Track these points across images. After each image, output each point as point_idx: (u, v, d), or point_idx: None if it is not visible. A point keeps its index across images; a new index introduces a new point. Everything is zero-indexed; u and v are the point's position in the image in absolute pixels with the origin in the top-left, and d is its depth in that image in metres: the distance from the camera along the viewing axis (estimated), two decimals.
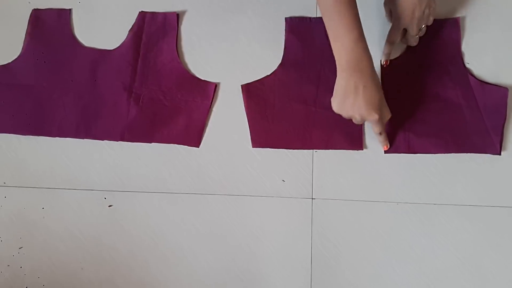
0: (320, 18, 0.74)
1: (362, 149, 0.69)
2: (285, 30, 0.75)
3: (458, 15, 0.74)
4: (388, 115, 0.65)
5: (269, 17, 0.76)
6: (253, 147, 0.70)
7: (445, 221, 0.66)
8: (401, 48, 0.73)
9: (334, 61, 0.72)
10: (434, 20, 0.73)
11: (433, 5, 0.68)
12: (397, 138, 0.69)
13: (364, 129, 0.70)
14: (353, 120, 0.64)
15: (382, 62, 0.72)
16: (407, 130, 0.69)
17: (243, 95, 0.72)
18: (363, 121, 0.64)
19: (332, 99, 0.64)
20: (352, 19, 0.59)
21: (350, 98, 0.62)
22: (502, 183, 0.67)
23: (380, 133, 0.66)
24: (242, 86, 0.72)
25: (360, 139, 0.69)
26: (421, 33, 0.70)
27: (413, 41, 0.71)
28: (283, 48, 0.74)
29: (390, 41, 0.71)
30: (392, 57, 0.72)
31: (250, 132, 0.71)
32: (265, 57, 0.74)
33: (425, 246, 0.66)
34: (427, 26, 0.70)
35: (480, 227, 0.66)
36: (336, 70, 0.72)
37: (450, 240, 0.66)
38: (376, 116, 0.62)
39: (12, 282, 0.67)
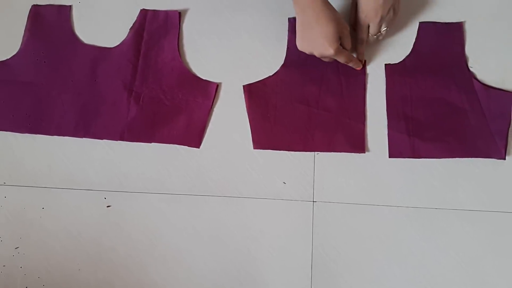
0: None
1: (364, 152, 0.69)
2: (288, 30, 0.74)
3: (461, 19, 0.74)
4: (347, 46, 0.66)
5: (272, 17, 0.75)
6: (254, 148, 0.70)
7: (447, 226, 0.66)
8: (405, 52, 0.73)
9: (337, 62, 0.72)
10: (438, 24, 0.73)
11: (397, 9, 0.68)
12: (402, 143, 0.68)
13: (366, 132, 0.70)
14: (317, 56, 0.66)
15: (355, 66, 0.70)
16: (411, 135, 0.68)
17: (244, 95, 0.71)
18: (323, 57, 0.66)
19: (296, 39, 0.66)
20: None
21: (306, 34, 0.64)
22: (505, 188, 0.67)
23: (347, 61, 0.67)
24: (244, 86, 0.71)
25: (362, 142, 0.69)
26: (381, 36, 0.70)
27: (370, 40, 0.71)
28: (285, 48, 0.73)
29: (359, 39, 0.71)
30: (395, 61, 0.72)
31: (252, 134, 0.70)
32: (268, 57, 0.73)
33: (426, 251, 0.65)
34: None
35: (482, 232, 0.66)
36: (338, 71, 0.72)
37: (452, 245, 0.65)
38: (331, 51, 0.63)
39: (9, 282, 0.66)
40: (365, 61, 0.72)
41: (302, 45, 0.66)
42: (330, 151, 0.69)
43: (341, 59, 0.67)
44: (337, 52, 0.64)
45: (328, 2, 0.64)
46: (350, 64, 0.69)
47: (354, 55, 0.70)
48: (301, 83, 0.71)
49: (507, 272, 0.64)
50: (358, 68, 0.70)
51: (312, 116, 0.70)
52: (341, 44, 0.66)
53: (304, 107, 0.70)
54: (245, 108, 0.71)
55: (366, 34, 0.70)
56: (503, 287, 0.64)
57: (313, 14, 0.63)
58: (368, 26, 0.69)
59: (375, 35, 0.69)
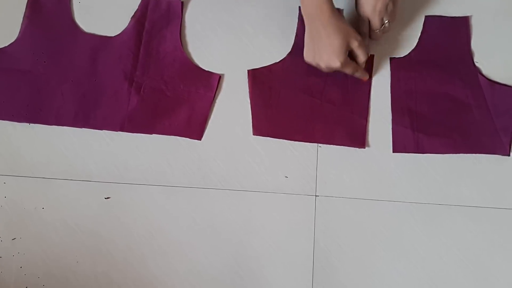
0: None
1: (364, 147, 0.68)
2: (298, 18, 0.73)
3: (467, 13, 0.73)
4: (361, 57, 0.65)
5: (276, 8, 0.74)
6: (253, 134, 0.69)
7: (450, 222, 0.66)
8: (410, 46, 0.72)
9: None
10: (444, 18, 0.72)
11: (397, 2, 0.67)
12: (406, 137, 0.68)
13: (368, 128, 0.69)
14: (323, 69, 0.65)
15: None
16: (416, 130, 0.68)
17: (248, 80, 0.70)
18: (329, 69, 0.65)
19: (304, 50, 0.66)
20: None
21: (314, 46, 0.64)
22: (509, 185, 0.66)
23: (353, 73, 0.66)
24: (248, 71, 0.70)
25: (363, 136, 0.68)
26: (385, 30, 0.69)
27: (375, 36, 0.70)
28: (289, 41, 0.72)
29: (360, 33, 0.70)
30: (401, 55, 0.71)
31: (252, 119, 0.69)
32: (271, 49, 0.72)
33: (428, 247, 0.65)
34: (390, 23, 0.68)
35: (485, 229, 0.65)
36: None
37: (454, 241, 0.65)
38: (337, 62, 0.63)
39: (5, 273, 0.64)
40: (372, 55, 0.71)
41: (308, 56, 0.66)
42: (330, 143, 0.68)
43: (348, 71, 0.66)
44: (344, 64, 0.63)
45: (338, 13, 0.63)
46: (357, 75, 0.67)
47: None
48: (307, 73, 0.70)
49: (509, 269, 0.64)
50: (365, 79, 0.68)
51: (314, 107, 0.69)
52: (351, 56, 0.65)
53: (308, 97, 0.69)
54: (248, 99, 0.70)
55: (367, 29, 0.69)
56: (505, 283, 0.64)
57: (321, 25, 0.62)
58: (369, 21, 0.68)
59: (377, 30, 0.68)
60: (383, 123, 0.69)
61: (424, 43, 0.72)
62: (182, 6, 0.74)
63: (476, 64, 0.70)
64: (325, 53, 0.63)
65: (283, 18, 0.73)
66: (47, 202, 0.67)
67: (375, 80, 0.71)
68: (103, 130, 0.69)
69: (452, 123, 0.68)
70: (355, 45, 0.64)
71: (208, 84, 0.70)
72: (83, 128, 0.69)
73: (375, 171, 0.67)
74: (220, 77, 0.71)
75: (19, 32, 0.72)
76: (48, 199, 0.67)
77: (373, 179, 0.67)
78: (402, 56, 0.71)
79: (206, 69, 0.71)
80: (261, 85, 0.70)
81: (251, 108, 0.69)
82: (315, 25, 0.63)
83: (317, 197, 0.67)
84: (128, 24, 0.73)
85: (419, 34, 0.72)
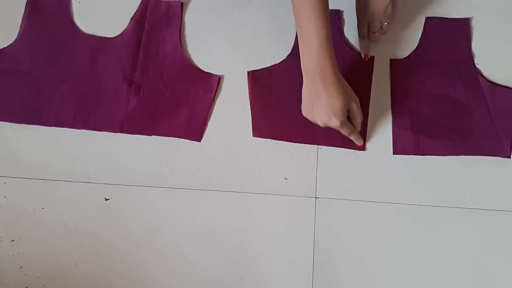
0: (334, 11, 0.73)
1: (364, 149, 0.68)
2: None
3: (468, 15, 0.73)
4: (358, 118, 0.63)
5: (276, 9, 0.74)
6: (253, 136, 0.68)
7: (450, 224, 0.65)
8: (411, 47, 0.72)
9: (343, 55, 0.71)
10: (444, 19, 0.72)
11: (397, 5, 0.67)
12: (406, 139, 0.67)
13: (368, 129, 0.69)
14: (319, 125, 0.63)
15: (362, 57, 0.71)
16: (416, 132, 0.67)
17: (248, 81, 0.70)
18: (326, 126, 0.62)
19: (302, 104, 0.64)
20: (319, 25, 0.58)
21: (313, 103, 0.62)
22: (509, 187, 0.66)
23: (350, 134, 0.64)
24: (248, 72, 0.70)
25: (363, 138, 0.68)
26: (383, 32, 0.68)
27: (373, 38, 0.70)
28: (290, 42, 0.72)
29: (360, 34, 0.70)
30: (401, 57, 0.71)
31: (252, 121, 0.69)
32: (271, 50, 0.72)
33: (428, 249, 0.65)
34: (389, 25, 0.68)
35: (485, 231, 0.65)
36: (346, 65, 0.70)
37: (454, 243, 0.65)
38: (336, 122, 0.61)
39: (3, 275, 0.64)
40: (373, 57, 0.71)
41: (307, 112, 0.64)
42: (330, 145, 0.68)
43: (344, 132, 0.64)
44: (342, 125, 0.62)
45: (338, 73, 0.61)
46: (352, 137, 0.65)
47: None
48: None
49: (509, 271, 0.64)
50: (359, 144, 0.66)
51: None
52: (348, 117, 0.63)
53: None
54: (248, 101, 0.70)
55: (366, 30, 0.69)
56: (505, 286, 0.64)
57: (322, 84, 0.60)
58: (368, 23, 0.68)
59: (375, 32, 0.68)
60: (383, 125, 0.69)
61: (424, 44, 0.71)
62: (182, 7, 0.74)
63: (477, 66, 0.70)
64: (324, 112, 0.61)
65: (283, 19, 0.73)
66: (46, 203, 0.66)
67: (375, 82, 0.70)
68: (102, 132, 0.69)
69: (453, 125, 0.68)
70: (353, 106, 0.62)
71: (208, 85, 0.70)
72: (82, 130, 0.68)
73: (375, 173, 0.67)
74: (219, 78, 0.71)
75: (18, 33, 0.72)
76: (47, 201, 0.67)
77: (373, 181, 0.67)
78: (402, 57, 0.71)
79: (206, 70, 0.71)
80: (261, 86, 0.70)
81: (251, 109, 0.69)
82: (315, 82, 0.60)
83: (317, 199, 0.67)
84: (128, 25, 0.72)
85: (420, 36, 0.72)
